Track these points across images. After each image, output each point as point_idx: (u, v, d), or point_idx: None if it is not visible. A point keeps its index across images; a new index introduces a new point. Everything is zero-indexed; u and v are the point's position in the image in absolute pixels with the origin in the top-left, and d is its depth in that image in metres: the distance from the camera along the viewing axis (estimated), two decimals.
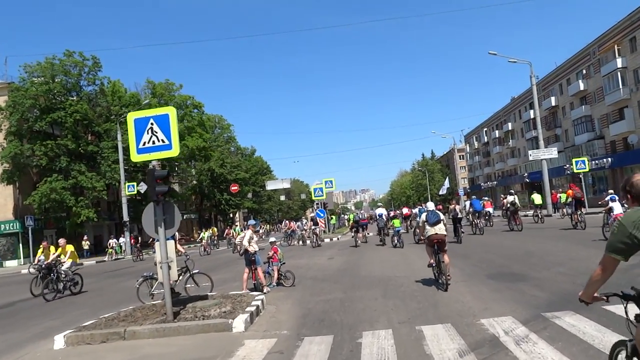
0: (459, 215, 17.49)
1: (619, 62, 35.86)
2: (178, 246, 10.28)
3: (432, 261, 8.44)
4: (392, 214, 27.90)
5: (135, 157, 7.03)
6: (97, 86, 36.38)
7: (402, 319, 6.01)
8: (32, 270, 14.06)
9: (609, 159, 38.17)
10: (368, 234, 23.29)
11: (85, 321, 7.22)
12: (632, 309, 2.44)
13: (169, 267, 6.86)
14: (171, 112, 6.99)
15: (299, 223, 29.88)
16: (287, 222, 39.40)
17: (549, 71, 49.52)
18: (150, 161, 7.09)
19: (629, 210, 2.40)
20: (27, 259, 28.65)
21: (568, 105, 45.83)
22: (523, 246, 13.15)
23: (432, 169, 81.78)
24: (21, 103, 30.77)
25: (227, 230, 35.01)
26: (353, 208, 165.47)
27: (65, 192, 31.40)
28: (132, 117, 7.03)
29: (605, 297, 2.58)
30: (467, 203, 24.20)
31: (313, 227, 23.36)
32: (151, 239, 18.77)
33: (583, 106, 42.73)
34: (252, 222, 10.86)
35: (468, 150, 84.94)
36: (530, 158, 33.66)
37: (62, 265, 12.14)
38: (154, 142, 6.90)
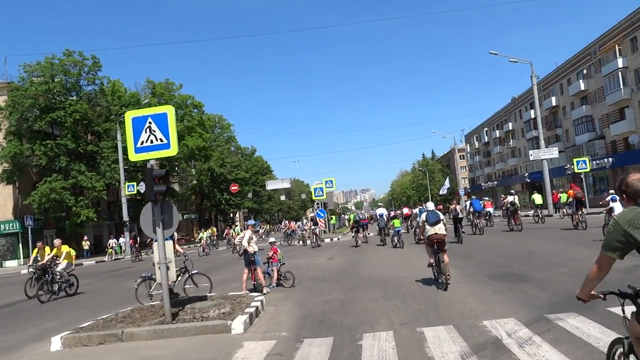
0: (460, 216, 17.42)
1: (620, 62, 35.79)
2: (177, 246, 10.21)
3: (432, 261, 8.47)
4: (392, 214, 27.84)
5: (133, 157, 6.95)
6: (96, 86, 36.33)
7: (403, 321, 5.94)
8: (31, 270, 13.90)
9: (610, 159, 38.10)
10: (368, 234, 23.22)
11: (84, 322, 7.15)
12: (629, 307, 2.49)
13: (168, 268, 6.79)
14: (169, 110, 6.91)
15: (299, 223, 29.81)
16: (286, 222, 39.33)
17: (549, 71, 49.53)
18: (148, 160, 7.02)
19: (624, 210, 2.46)
20: (27, 259, 28.56)
21: (569, 105, 45.75)
22: (524, 246, 13.07)
23: (432, 169, 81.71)
24: (21, 103, 30.72)
25: (226, 230, 34.94)
26: (353, 208, 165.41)
27: (65, 192, 31.35)
28: (130, 115, 6.96)
29: (602, 296, 2.62)
30: (468, 203, 24.11)
31: (313, 227, 23.27)
32: (149, 239, 18.67)
33: (584, 106, 42.66)
34: (251, 222, 10.78)
35: (468, 150, 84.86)
36: (531, 158, 33.59)
37: (57, 266, 11.92)
38: (152, 141, 6.82)
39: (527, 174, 51.69)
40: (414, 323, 5.77)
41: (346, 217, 51.35)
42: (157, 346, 5.75)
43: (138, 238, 27.77)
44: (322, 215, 27.35)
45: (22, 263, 31.51)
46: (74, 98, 34.43)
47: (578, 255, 10.09)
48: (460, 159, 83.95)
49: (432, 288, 8.05)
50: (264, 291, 9.04)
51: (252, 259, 9.27)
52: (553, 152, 30.80)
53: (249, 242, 9.25)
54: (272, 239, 10.99)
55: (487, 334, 5.00)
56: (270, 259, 9.97)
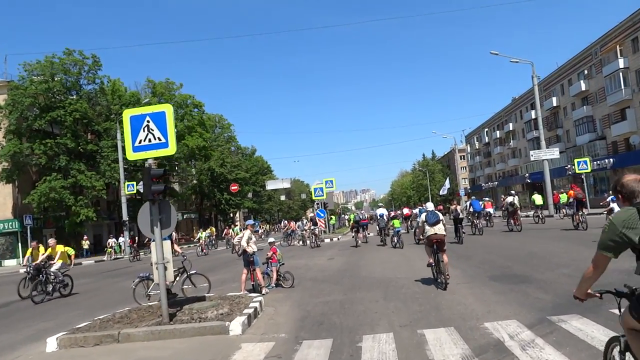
0: (460, 216, 17.35)
1: (621, 63, 35.70)
2: (175, 246, 10.14)
3: (431, 261, 8.53)
4: (392, 214, 27.75)
5: (131, 155, 6.87)
6: (96, 85, 36.23)
7: (404, 322, 5.86)
8: (25, 270, 13.63)
9: (611, 160, 38.02)
10: (368, 234, 23.15)
11: (80, 322, 7.08)
12: (625, 306, 2.56)
13: (165, 268, 6.71)
14: (168, 109, 6.83)
15: (299, 223, 29.73)
16: (286, 222, 39.26)
17: (550, 71, 49.45)
18: (146, 159, 6.95)
19: (619, 210, 2.53)
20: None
21: (569, 105, 45.67)
22: (525, 247, 12.99)
23: (432, 169, 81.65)
24: (20, 101, 30.63)
25: (225, 230, 34.86)
26: (353, 208, 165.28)
27: (64, 191, 31.28)
28: (128, 114, 6.88)
29: (599, 294, 2.68)
30: (468, 203, 24.05)
31: (312, 228, 23.16)
32: (147, 239, 18.58)
33: (585, 107, 42.58)
34: (250, 222, 10.70)
35: (469, 151, 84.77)
36: (532, 158, 33.51)
37: (52, 267, 11.70)
38: (150, 140, 6.75)
39: (527, 175, 51.66)
40: (415, 325, 5.69)
41: (346, 217, 51.27)
42: (154, 347, 5.67)
43: (137, 238, 27.68)
44: (322, 215, 27.28)
45: (21, 262, 31.42)
46: (74, 97, 34.33)
47: (579, 255, 10.01)
48: (461, 159, 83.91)
49: (432, 289, 7.97)
50: (263, 292, 8.96)
51: (251, 259, 9.19)
52: (554, 153, 30.73)
53: (248, 242, 9.18)
54: (271, 239, 10.90)
55: (489, 336, 4.92)
56: (270, 259, 9.89)
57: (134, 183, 30.91)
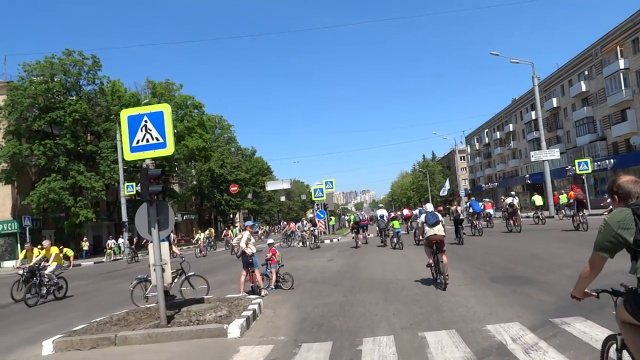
0: (461, 217, 17.28)
1: (622, 63, 35.64)
2: (173, 248, 10.05)
3: (430, 261, 8.61)
4: (392, 215, 27.68)
5: (129, 156, 6.80)
6: (96, 86, 36.18)
7: (404, 325, 5.78)
8: (19, 272, 13.23)
9: (611, 161, 37.94)
10: (368, 235, 23.06)
11: (78, 325, 6.99)
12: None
13: (163, 270, 6.63)
14: (166, 109, 6.76)
15: (298, 224, 29.65)
16: (285, 223, 39.17)
17: (550, 72, 49.38)
18: (144, 160, 6.88)
19: (614, 211, 2.56)
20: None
21: (570, 106, 45.61)
22: (526, 248, 12.92)
23: (432, 170, 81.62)
24: (20, 102, 30.56)
25: (225, 231, 34.77)
26: (353, 209, 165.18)
27: (63, 192, 31.20)
28: (125, 114, 6.81)
29: (595, 294, 2.76)
30: (467, 204, 23.98)
31: (312, 229, 23.06)
32: (145, 241, 18.42)
33: (585, 107, 42.51)
34: (249, 223, 10.61)
35: (469, 152, 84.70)
36: (532, 159, 33.44)
37: (46, 269, 11.45)
38: (148, 140, 6.68)
39: (527, 176, 51.57)
40: (416, 327, 5.61)
41: (346, 218, 51.22)
42: (151, 350, 5.59)
43: (135, 239, 27.54)
44: (322, 216, 27.19)
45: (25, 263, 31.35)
46: (74, 98, 34.28)
47: (581, 257, 9.91)
48: (461, 160, 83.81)
49: (433, 290, 7.89)
50: (262, 293, 8.88)
51: (250, 260, 9.11)
52: (554, 154, 30.67)
53: (247, 244, 9.10)
54: (270, 240, 10.83)
55: (491, 339, 4.84)
56: (269, 260, 9.81)
57: (134, 184, 30.80)
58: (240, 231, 24.23)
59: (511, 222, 19.10)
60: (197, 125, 43.83)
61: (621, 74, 35.85)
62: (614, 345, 2.80)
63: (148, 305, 8.08)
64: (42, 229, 33.72)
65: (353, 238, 21.31)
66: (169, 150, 6.69)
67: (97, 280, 16.49)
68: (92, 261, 29.10)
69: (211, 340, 5.84)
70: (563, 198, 23.97)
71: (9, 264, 32.52)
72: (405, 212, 28.70)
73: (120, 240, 32.07)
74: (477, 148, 78.39)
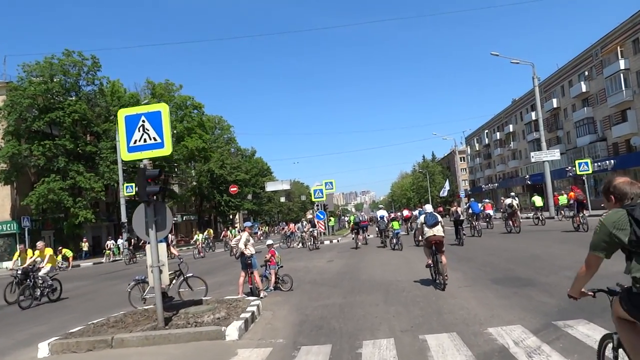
0: (461, 218, 17.22)
1: (622, 64, 35.58)
2: (172, 249, 9.98)
3: (430, 262, 8.69)
4: (391, 215, 27.61)
5: (126, 156, 6.74)
6: (96, 86, 36.10)
7: (405, 327, 5.70)
8: (12, 274, 12.89)
9: (612, 161, 37.86)
10: (368, 235, 22.99)
11: (75, 327, 6.92)
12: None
13: (160, 271, 6.55)
14: (163, 109, 6.69)
15: (298, 225, 29.55)
16: (284, 224, 39.07)
17: (550, 73, 49.34)
18: (141, 160, 6.81)
19: (610, 212, 2.63)
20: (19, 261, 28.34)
21: (570, 107, 45.55)
22: (526, 249, 12.85)
23: (432, 171, 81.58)
24: (19, 103, 30.48)
25: (224, 231, 34.68)
26: (353, 210, 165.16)
27: (63, 193, 31.12)
28: (122, 114, 6.74)
29: (592, 293, 2.84)
30: (467, 205, 23.91)
31: (311, 230, 22.96)
32: (143, 241, 18.30)
33: (585, 108, 42.45)
34: (248, 223, 10.52)
35: (469, 152, 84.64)
36: (533, 160, 33.37)
37: (40, 271, 11.25)
38: (145, 140, 6.61)
39: (527, 176, 51.50)
40: (416, 330, 5.53)
41: (346, 219, 51.13)
42: (148, 353, 5.51)
43: (132, 240, 27.41)
44: (322, 217, 27.10)
45: (13, 266, 31.23)
46: (73, 98, 34.21)
47: (582, 258, 9.60)
48: (461, 160, 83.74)
49: (434, 292, 7.82)
50: (261, 295, 8.81)
51: (249, 261, 9.03)
52: (555, 154, 30.61)
53: (245, 245, 9.02)
54: (269, 241, 10.75)
55: (493, 342, 4.76)
56: (268, 261, 9.73)
57: (133, 184, 30.71)
58: (239, 232, 24.15)
59: (510, 222, 19.10)
60: (196, 126, 43.77)
61: (621, 75, 35.80)
62: (610, 344, 2.85)
63: (146, 307, 8.00)
64: (42, 229, 33.62)
65: (353, 239, 21.24)
66: (167, 150, 6.62)
67: (96, 281, 16.41)
68: (91, 262, 29.02)
69: (209, 342, 5.77)
70: (562, 199, 23.91)
71: (8, 264, 32.42)
72: (405, 212, 28.63)
73: (120, 241, 31.98)
74: (477, 149, 78.32)
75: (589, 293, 2.84)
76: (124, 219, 30.87)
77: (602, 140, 40.50)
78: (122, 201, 31.21)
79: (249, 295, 8.88)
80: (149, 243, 6.64)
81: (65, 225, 32.95)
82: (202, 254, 25.02)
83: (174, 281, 8.94)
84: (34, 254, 11.75)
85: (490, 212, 23.32)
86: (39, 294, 11.10)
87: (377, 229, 21.43)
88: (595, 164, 35.77)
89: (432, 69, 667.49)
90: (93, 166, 34.37)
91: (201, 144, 43.03)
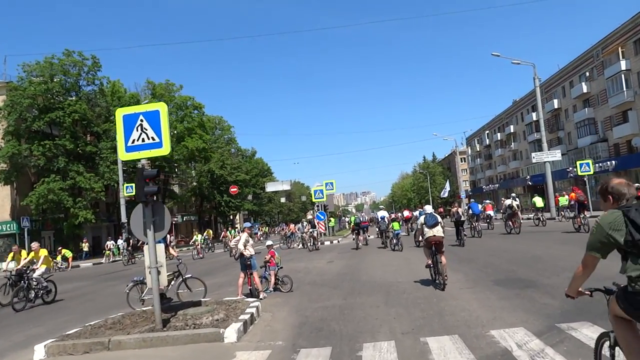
0: (462, 218, 17.14)
1: (623, 65, 35.50)
2: (170, 250, 9.91)
3: (429, 262, 8.76)
4: (392, 216, 27.53)
5: (124, 156, 6.65)
6: (96, 86, 36.11)
7: (406, 329, 5.62)
8: (6, 276, 12.66)
9: (613, 162, 37.77)
10: (368, 236, 22.91)
11: (72, 328, 6.85)
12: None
13: (159, 272, 6.48)
14: (162, 108, 6.61)
15: (299, 225, 29.46)
16: (284, 225, 39.00)
17: (551, 73, 49.24)
18: (140, 160, 6.73)
19: (606, 212, 2.67)
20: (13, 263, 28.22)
21: (571, 107, 45.47)
22: (528, 250, 12.76)
23: (433, 172, 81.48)
24: (19, 103, 30.48)
25: (223, 232, 34.57)
26: (354, 210, 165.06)
27: (62, 193, 31.08)
28: (120, 113, 6.66)
29: (589, 292, 2.88)
30: (467, 206, 23.85)
31: (311, 230, 22.88)
32: (140, 242, 18.16)
33: (586, 109, 42.36)
34: (247, 224, 10.44)
35: (470, 153, 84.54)
36: (534, 160, 33.28)
37: (35, 272, 11.03)
38: (143, 140, 6.52)
39: (528, 177, 51.38)
40: (417, 332, 5.45)
41: (347, 219, 51.02)
42: (145, 356, 5.44)
43: (130, 240, 27.30)
44: (322, 217, 27.01)
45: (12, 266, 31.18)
46: (73, 98, 34.20)
47: None
48: (462, 161, 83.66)
49: (435, 294, 7.74)
50: (261, 296, 8.73)
51: (249, 262, 8.96)
52: (556, 155, 30.53)
53: (245, 245, 8.95)
54: (269, 242, 10.66)
55: (496, 345, 4.68)
56: (268, 262, 9.65)
57: (133, 185, 30.63)
58: (238, 232, 24.06)
59: (510, 223, 19.05)
60: (197, 126, 43.73)
61: (622, 75, 35.72)
62: (607, 342, 2.92)
63: (144, 308, 7.92)
64: (41, 230, 33.58)
65: (353, 239, 21.16)
66: (165, 150, 6.54)
67: (95, 282, 16.33)
68: (91, 262, 28.96)
69: (207, 345, 5.69)
70: (562, 200, 23.85)
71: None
72: (406, 213, 28.55)
73: (120, 242, 31.90)
74: (478, 149, 78.23)
75: (586, 292, 2.88)
76: (124, 219, 30.80)
77: (603, 141, 40.41)
78: (122, 201, 31.15)
79: (248, 296, 8.81)
80: (147, 244, 6.57)
81: (65, 226, 32.90)
82: (201, 255, 24.88)
83: (172, 282, 8.87)
84: (28, 255, 11.53)
85: (491, 213, 23.24)
86: (33, 295, 10.85)
87: (377, 229, 21.35)
88: (596, 165, 35.70)
89: (433, 70, 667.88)
90: (93, 166, 34.33)
91: (201, 145, 43.00)
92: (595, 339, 3.09)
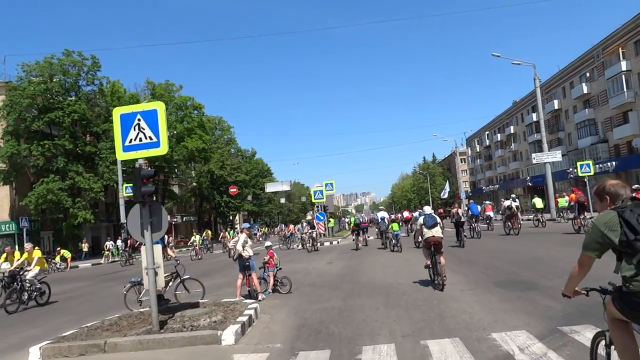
0: (462, 219, 17.08)
1: (623, 65, 35.45)
2: (168, 250, 9.82)
3: (428, 262, 8.82)
4: (392, 217, 27.46)
5: (121, 155, 6.59)
6: (96, 86, 36.03)
7: (406, 332, 5.55)
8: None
9: (613, 163, 37.71)
10: (368, 237, 22.84)
11: (69, 329, 6.77)
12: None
13: (156, 274, 6.40)
14: (159, 107, 6.54)
15: (298, 226, 29.37)
16: (283, 225, 38.90)
17: (552, 74, 49.18)
18: (137, 159, 6.67)
19: (601, 213, 2.72)
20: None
21: (571, 108, 45.42)
22: (528, 251, 12.68)
23: (433, 172, 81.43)
24: (18, 102, 30.40)
25: (222, 232, 34.47)
26: (354, 211, 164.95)
27: (62, 193, 30.99)
28: (117, 112, 6.60)
29: (585, 292, 2.91)
30: (466, 207, 23.78)
31: (310, 231, 22.79)
32: (138, 243, 17.99)
33: (586, 109, 42.30)
34: (245, 225, 10.36)
35: (470, 154, 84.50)
36: (534, 161, 33.21)
37: (28, 274, 10.85)
38: (141, 140, 6.46)
39: (528, 178, 51.30)
40: (418, 335, 5.38)
41: (346, 220, 50.97)
42: (141, 358, 5.37)
43: (128, 241, 27.19)
44: (322, 218, 26.93)
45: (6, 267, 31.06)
46: (73, 98, 34.12)
47: None
48: (462, 162, 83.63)
49: (435, 296, 7.66)
50: (259, 298, 8.65)
51: (247, 263, 8.88)
52: (556, 156, 30.46)
53: (243, 246, 8.87)
54: (268, 243, 10.58)
55: (497, 349, 4.61)
56: (267, 263, 9.58)
57: (132, 185, 30.58)
58: (237, 233, 23.96)
59: (509, 224, 19.00)
60: (196, 127, 43.66)
61: (623, 76, 35.67)
62: (603, 342, 2.95)
63: (141, 310, 7.84)
64: (40, 230, 33.51)
65: (353, 240, 21.09)
66: (163, 150, 6.48)
67: (93, 283, 16.25)
68: (90, 263, 28.88)
69: (205, 347, 5.61)
70: (562, 201, 23.75)
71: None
72: (406, 214, 28.48)
73: (119, 242, 31.82)
74: (478, 150, 78.18)
75: (583, 292, 2.92)
76: (123, 219, 30.73)
77: (603, 141, 40.35)
78: (122, 202, 31.03)
79: (246, 297, 8.72)
80: (144, 244, 6.49)
81: (65, 226, 32.81)
82: (199, 256, 24.72)
83: (170, 283, 8.79)
84: (21, 256, 11.33)
85: (491, 213, 23.18)
86: (26, 297, 10.65)
87: (377, 230, 21.28)
88: (597, 166, 35.62)
89: (434, 70, 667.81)
90: (92, 166, 34.25)
91: (201, 145, 42.92)
92: (592, 338, 3.10)
